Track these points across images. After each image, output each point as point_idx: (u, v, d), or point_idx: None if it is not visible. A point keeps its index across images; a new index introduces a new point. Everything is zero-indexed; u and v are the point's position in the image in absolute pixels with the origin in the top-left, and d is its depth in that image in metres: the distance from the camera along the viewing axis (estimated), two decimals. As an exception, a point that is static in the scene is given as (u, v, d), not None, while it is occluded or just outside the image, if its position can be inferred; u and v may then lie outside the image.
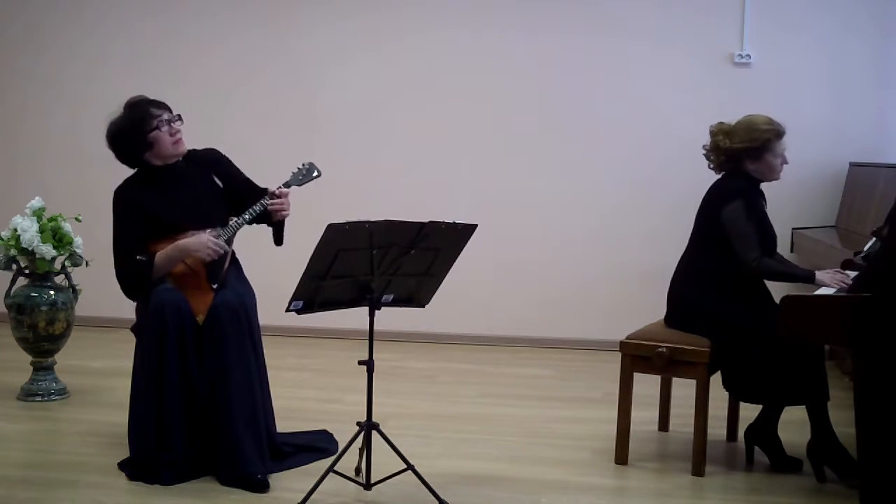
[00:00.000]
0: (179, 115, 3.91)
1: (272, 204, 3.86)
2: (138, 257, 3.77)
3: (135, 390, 3.85)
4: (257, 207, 3.85)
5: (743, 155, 3.96)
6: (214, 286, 3.81)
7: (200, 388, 3.69)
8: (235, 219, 3.87)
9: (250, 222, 3.88)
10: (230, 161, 4.06)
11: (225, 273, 3.89)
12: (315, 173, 3.93)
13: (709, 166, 4.09)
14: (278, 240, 4.06)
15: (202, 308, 3.75)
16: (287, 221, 3.98)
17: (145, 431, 3.73)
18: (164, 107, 3.90)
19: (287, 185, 3.89)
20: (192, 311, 3.74)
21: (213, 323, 3.72)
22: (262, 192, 3.94)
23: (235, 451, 3.65)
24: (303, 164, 3.95)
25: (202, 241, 3.79)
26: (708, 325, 3.91)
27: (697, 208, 4.07)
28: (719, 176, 4.08)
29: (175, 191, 3.88)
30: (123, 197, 3.88)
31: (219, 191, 3.96)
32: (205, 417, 3.71)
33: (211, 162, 4.01)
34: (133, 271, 3.79)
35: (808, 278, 3.87)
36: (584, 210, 6.09)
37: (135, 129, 3.83)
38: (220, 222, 3.87)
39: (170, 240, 3.80)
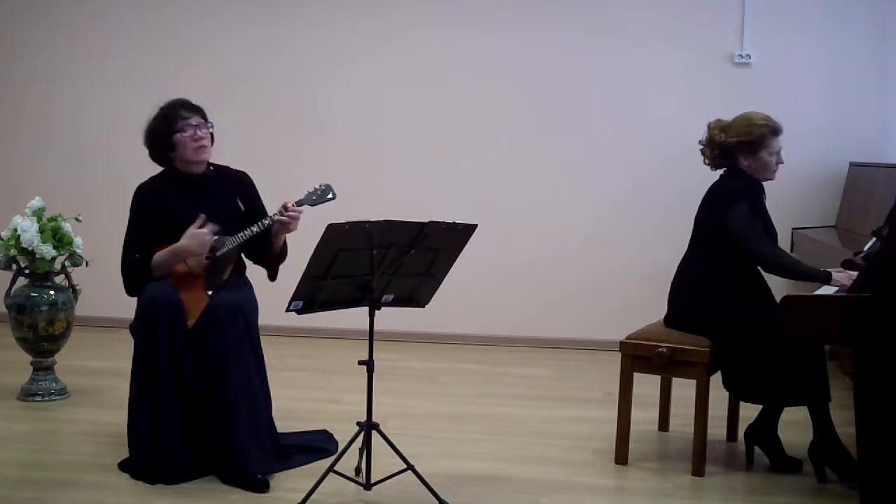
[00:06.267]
0: (211, 123, 3.92)
1: (284, 215, 3.80)
2: (136, 255, 3.79)
3: (131, 388, 3.84)
4: (266, 221, 3.84)
5: (737, 150, 3.95)
6: (210, 293, 3.80)
7: (195, 387, 3.68)
8: (243, 231, 3.84)
9: (254, 236, 3.85)
10: (256, 189, 4.07)
11: (225, 281, 3.88)
12: (330, 195, 3.90)
13: (704, 162, 4.08)
14: (273, 273, 4.05)
15: (194, 312, 3.74)
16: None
17: (142, 427, 3.71)
18: (196, 111, 3.91)
19: (300, 203, 3.87)
20: (185, 312, 3.73)
21: (210, 324, 3.70)
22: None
23: (235, 450, 3.65)
24: (319, 185, 3.92)
25: (203, 241, 3.78)
26: (708, 326, 3.90)
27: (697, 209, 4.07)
28: (717, 176, 4.07)
29: (195, 199, 3.88)
30: (142, 194, 3.92)
31: (237, 212, 3.95)
32: (201, 416, 3.70)
33: (239, 184, 4.03)
34: (131, 267, 3.82)
35: (824, 279, 3.79)
36: (583, 210, 6.10)
37: (161, 128, 3.87)
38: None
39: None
